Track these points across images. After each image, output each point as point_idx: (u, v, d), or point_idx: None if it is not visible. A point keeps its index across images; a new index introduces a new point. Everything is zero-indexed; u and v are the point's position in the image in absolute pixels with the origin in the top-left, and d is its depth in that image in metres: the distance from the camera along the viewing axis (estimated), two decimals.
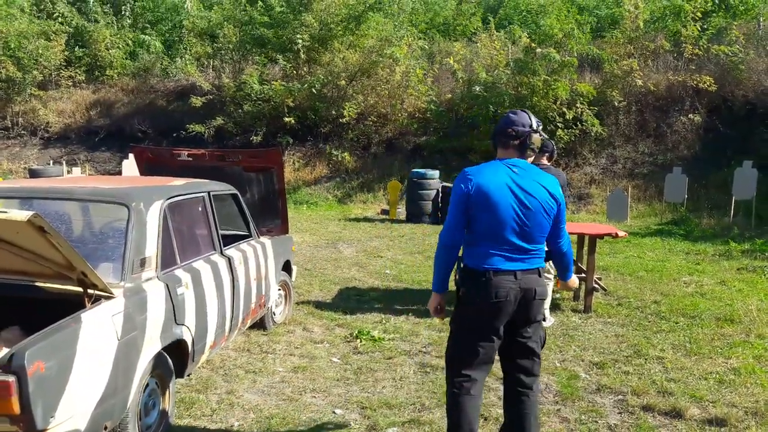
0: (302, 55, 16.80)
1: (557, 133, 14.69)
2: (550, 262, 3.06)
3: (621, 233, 5.91)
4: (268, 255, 4.77)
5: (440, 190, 12.24)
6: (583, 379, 4.18)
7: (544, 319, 5.28)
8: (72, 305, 2.77)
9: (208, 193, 3.97)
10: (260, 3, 17.30)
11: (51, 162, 16.66)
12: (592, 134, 14.84)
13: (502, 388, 3.03)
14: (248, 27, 17.82)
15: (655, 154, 14.91)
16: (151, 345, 2.99)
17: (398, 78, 16.25)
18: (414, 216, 12.28)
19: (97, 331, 2.61)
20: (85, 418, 2.51)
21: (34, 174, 13.61)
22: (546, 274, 3.88)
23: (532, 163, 2.86)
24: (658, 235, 10.69)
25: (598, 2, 19.99)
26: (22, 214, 2.28)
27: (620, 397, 3.88)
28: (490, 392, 3.83)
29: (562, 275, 3.10)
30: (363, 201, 15.00)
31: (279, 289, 5.24)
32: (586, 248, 6.09)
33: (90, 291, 2.76)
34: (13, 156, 17.67)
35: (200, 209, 3.86)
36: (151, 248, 3.16)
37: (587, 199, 14.22)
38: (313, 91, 16.12)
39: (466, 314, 2.81)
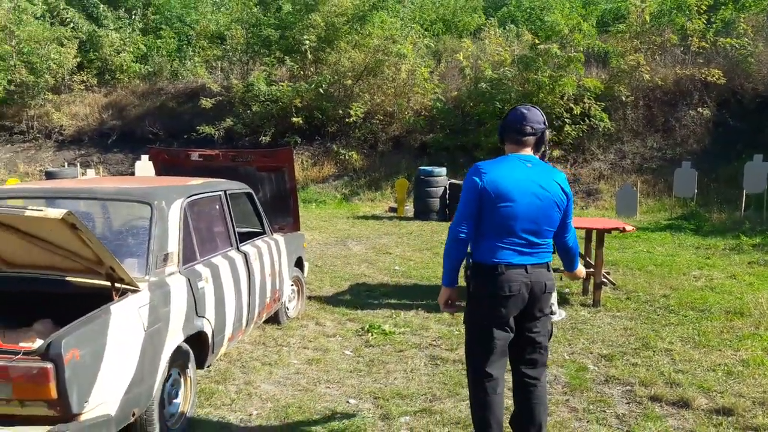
0: (309, 56, 16.95)
1: (565, 129, 14.75)
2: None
3: (629, 227, 5.99)
4: (281, 251, 4.90)
5: (447, 187, 12.34)
6: (591, 370, 4.27)
7: (553, 313, 5.39)
8: (97, 299, 2.90)
9: (225, 192, 4.10)
10: (273, 4, 17.44)
11: (66, 164, 16.91)
12: (600, 129, 14.87)
13: (510, 379, 3.11)
14: (256, 28, 18.00)
15: (663, 148, 14.91)
16: (174, 336, 3.12)
17: (404, 76, 16.35)
18: (422, 213, 12.39)
19: (125, 322, 2.75)
20: (116, 403, 2.65)
21: (50, 176, 13.85)
22: None
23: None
24: (668, 230, 10.72)
25: None
26: (56, 212, 2.41)
27: (628, 387, 3.97)
28: None
29: (569, 267, 3.15)
30: (371, 199, 15.12)
31: (292, 285, 5.37)
32: (594, 243, 6.16)
33: (117, 285, 2.89)
34: (28, 159, 17.95)
35: (217, 207, 3.99)
36: (173, 244, 3.29)
37: (596, 195, 14.25)
38: (320, 91, 16.26)
39: (479, 309, 2.84)
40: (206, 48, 19.29)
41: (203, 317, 3.43)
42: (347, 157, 16.11)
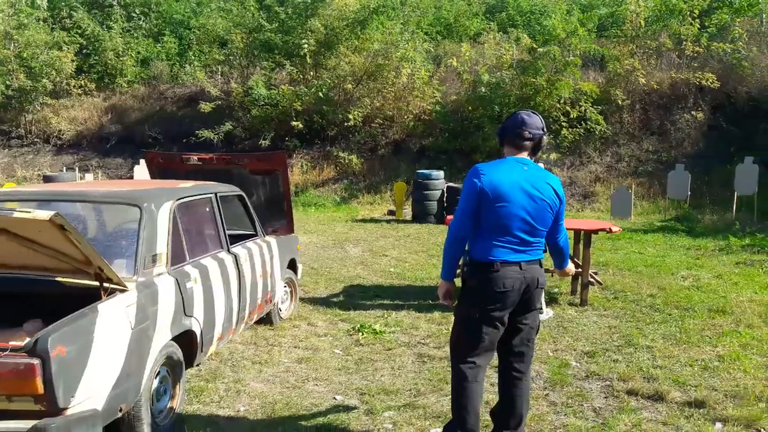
0: (308, 60, 17.10)
1: (562, 132, 14.87)
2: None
3: (615, 228, 6.09)
4: (273, 253, 5.01)
5: (445, 190, 12.46)
6: (573, 367, 4.38)
7: (540, 312, 5.48)
8: (87, 299, 3.02)
9: (215, 194, 4.21)
10: (275, 9, 17.61)
11: (64, 168, 17.07)
12: (597, 133, 14.99)
13: (495, 376, 3.21)
14: (256, 33, 18.17)
15: (659, 151, 15.03)
16: (162, 334, 3.23)
17: (404, 80, 16.49)
18: (420, 216, 12.51)
19: (112, 320, 2.86)
20: (102, 399, 2.75)
21: (48, 180, 13.99)
22: None
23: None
24: (660, 232, 10.83)
25: (598, 1, 20.12)
26: (44, 214, 2.53)
27: (607, 382, 4.08)
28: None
29: (559, 265, 3.29)
30: (370, 202, 15.25)
31: (285, 286, 5.48)
32: (582, 243, 6.26)
33: (106, 285, 3.01)
34: (27, 163, 18.11)
35: (208, 209, 4.10)
36: (162, 245, 3.40)
37: (592, 197, 14.37)
38: (320, 95, 16.40)
39: (474, 304, 2.95)
40: (207, 52, 19.46)
41: (192, 317, 3.54)
42: (347, 161, 16.24)
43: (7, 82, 18.02)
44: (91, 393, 2.71)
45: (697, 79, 15.01)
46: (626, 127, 15.55)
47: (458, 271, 3.07)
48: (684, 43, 15.56)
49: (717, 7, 16.51)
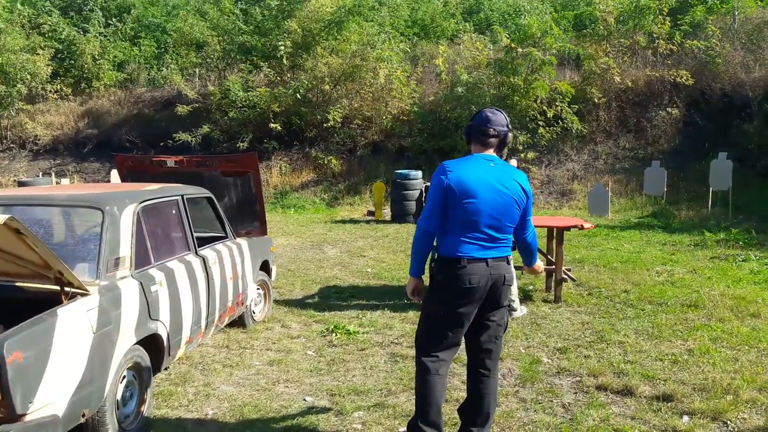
0: (285, 62, 17.03)
1: (539, 131, 14.98)
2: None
3: (587, 225, 6.15)
4: (244, 255, 4.97)
5: (424, 190, 12.47)
6: (544, 363, 4.40)
7: (514, 310, 5.51)
8: (51, 304, 2.97)
9: (182, 196, 4.17)
10: (252, 10, 17.50)
11: (40, 174, 16.81)
12: (573, 131, 15.12)
13: (465, 372, 3.22)
14: (233, 35, 18.05)
15: (635, 148, 15.19)
16: (126, 338, 3.19)
17: (382, 81, 16.49)
18: (399, 216, 12.51)
19: (72, 324, 2.81)
20: (63, 404, 2.71)
21: (22, 186, 13.76)
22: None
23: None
24: (637, 228, 10.94)
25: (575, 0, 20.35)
26: None
27: (577, 378, 4.11)
28: (454, 377, 4.04)
29: (528, 261, 3.30)
30: (350, 203, 15.22)
31: (258, 288, 5.44)
32: (555, 240, 6.31)
33: (66, 289, 2.96)
34: (2, 169, 17.80)
35: (174, 212, 4.06)
36: (125, 249, 3.36)
37: (569, 195, 14.48)
38: (298, 96, 16.34)
39: (439, 299, 2.97)
40: (184, 55, 19.28)
41: (157, 320, 3.50)
42: (326, 162, 16.20)
43: None
44: (51, 398, 2.66)
45: (672, 77, 15.21)
46: (603, 125, 15.70)
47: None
48: (657, 41, 15.76)
49: (690, 5, 16.76)
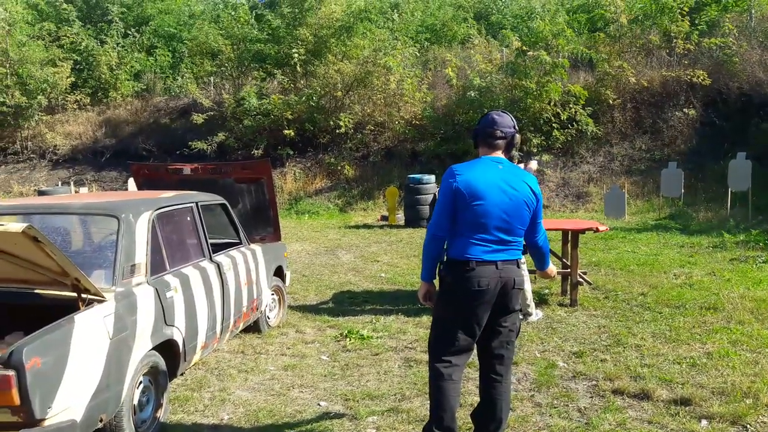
0: (299, 69, 17.15)
1: (553, 134, 14.90)
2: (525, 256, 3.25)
3: (602, 227, 6.09)
4: (258, 261, 5.01)
5: (436, 194, 12.47)
6: (560, 367, 4.37)
7: (529, 314, 5.48)
8: (68, 310, 3.02)
9: (196, 203, 4.22)
10: (267, 17, 17.64)
11: (59, 183, 17.08)
12: (588, 133, 15.01)
13: (478, 375, 3.21)
14: (247, 43, 18.22)
15: (652, 150, 15.03)
16: (142, 344, 3.23)
17: (393, 86, 16.53)
18: (412, 221, 12.51)
19: (89, 330, 2.86)
20: (81, 409, 2.75)
21: (42, 195, 14.00)
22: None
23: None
24: (654, 230, 10.81)
25: (584, 2, 20.24)
26: (17, 226, 2.54)
27: (594, 382, 4.07)
28: (468, 381, 4.02)
29: (540, 266, 3.28)
30: (363, 208, 15.24)
31: (272, 294, 5.47)
32: (570, 243, 6.26)
33: (84, 295, 3.01)
34: (23, 179, 18.12)
35: (189, 219, 4.11)
36: (141, 255, 3.40)
37: (585, 198, 14.36)
38: (311, 103, 16.44)
39: (450, 303, 2.96)
40: (199, 64, 19.51)
41: (173, 326, 3.53)
42: (339, 168, 16.26)
43: (3, 100, 18.05)
44: (69, 404, 2.70)
45: (689, 76, 15.04)
46: (618, 127, 15.56)
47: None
48: (674, 40, 15.60)
49: (706, 3, 16.58)
